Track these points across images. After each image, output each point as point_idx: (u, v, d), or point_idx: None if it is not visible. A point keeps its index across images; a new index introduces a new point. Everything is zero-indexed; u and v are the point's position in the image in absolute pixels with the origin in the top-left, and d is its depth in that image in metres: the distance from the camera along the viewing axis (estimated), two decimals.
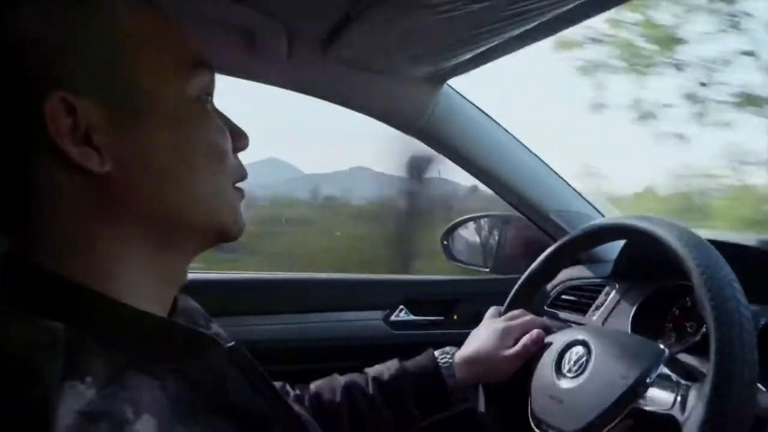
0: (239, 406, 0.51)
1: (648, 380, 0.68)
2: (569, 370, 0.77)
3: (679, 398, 0.65)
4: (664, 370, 0.69)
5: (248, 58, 0.90)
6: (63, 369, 0.38)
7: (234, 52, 0.90)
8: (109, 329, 0.44)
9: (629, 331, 0.97)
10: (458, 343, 0.93)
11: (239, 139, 0.55)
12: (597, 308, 1.09)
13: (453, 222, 1.45)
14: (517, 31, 0.79)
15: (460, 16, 0.72)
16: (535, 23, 0.76)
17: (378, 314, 1.26)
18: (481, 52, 0.87)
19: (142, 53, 0.47)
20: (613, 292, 1.08)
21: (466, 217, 1.44)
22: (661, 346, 0.73)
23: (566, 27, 0.79)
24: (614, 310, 1.05)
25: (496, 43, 0.83)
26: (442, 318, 1.29)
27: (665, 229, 0.72)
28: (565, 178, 1.21)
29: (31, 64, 0.43)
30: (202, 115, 0.51)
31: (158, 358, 0.46)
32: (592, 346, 0.76)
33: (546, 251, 0.94)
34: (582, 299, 1.14)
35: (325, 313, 1.23)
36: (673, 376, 0.69)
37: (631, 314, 0.99)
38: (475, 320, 1.27)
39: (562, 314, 1.16)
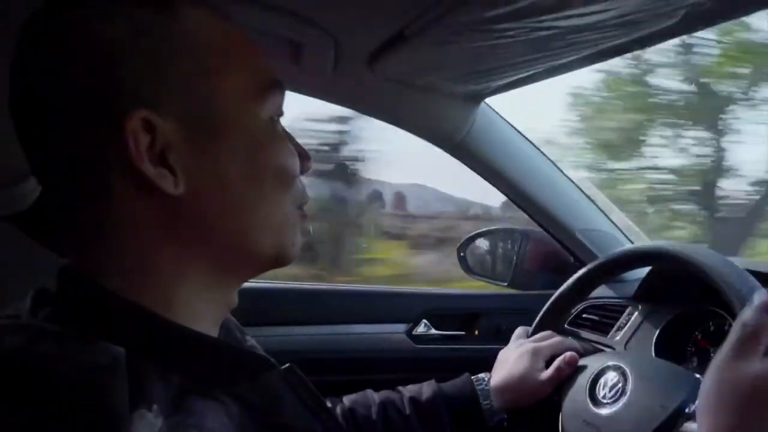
0: (293, 426, 0.51)
1: (687, 410, 0.69)
2: (605, 397, 0.77)
3: None
4: None
5: (293, 70, 0.90)
6: (129, 395, 0.38)
7: (279, 63, 0.90)
8: (169, 353, 0.44)
9: (653, 353, 0.99)
10: (480, 358, 0.93)
11: (305, 161, 0.55)
12: (619, 329, 1.10)
13: (470, 234, 1.46)
14: (563, 60, 0.81)
15: (512, 42, 0.73)
16: (582, 54, 0.78)
17: (401, 327, 1.26)
18: (525, 76, 0.88)
19: (222, 72, 0.46)
20: (636, 313, 1.09)
21: (484, 229, 1.45)
22: (696, 375, 0.74)
23: (612, 57, 0.80)
24: (637, 331, 1.06)
25: (541, 69, 0.84)
26: (464, 333, 1.30)
27: (709, 259, 0.73)
28: (592, 197, 1.22)
29: (119, 79, 0.42)
30: (275, 137, 0.51)
31: (216, 382, 0.45)
32: (629, 373, 0.77)
33: (578, 273, 0.94)
34: (604, 319, 1.15)
35: (349, 325, 1.23)
36: None
37: (655, 336, 1.01)
38: (496, 336, 1.30)
39: (584, 333, 1.16)
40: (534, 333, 0.94)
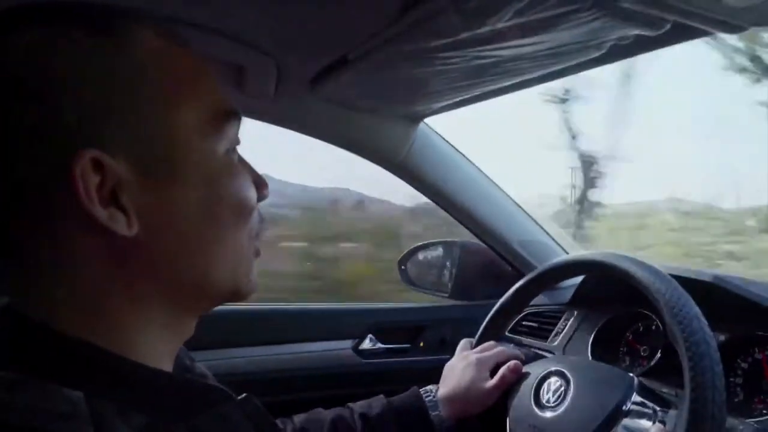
0: None
1: (624, 408, 0.74)
2: (548, 401, 0.81)
3: (657, 424, 0.71)
4: (637, 397, 0.75)
5: (235, 93, 0.90)
6: None
7: (221, 87, 0.89)
8: (128, 392, 0.42)
9: (589, 356, 1.05)
10: (426, 369, 0.96)
11: (262, 189, 0.53)
12: (557, 334, 1.15)
13: (411, 247, 1.48)
14: (500, 85, 0.85)
15: (453, 69, 0.77)
16: (517, 80, 0.82)
17: (347, 343, 1.27)
18: (463, 99, 0.92)
19: (176, 105, 0.44)
20: (572, 318, 1.15)
21: (424, 242, 1.48)
22: (630, 374, 0.80)
23: (545, 82, 0.85)
24: (574, 335, 1.12)
25: (479, 92, 0.88)
26: (409, 345, 1.33)
27: (636, 267, 0.79)
28: (527, 211, 1.28)
29: (64, 116, 0.39)
30: (232, 170, 0.48)
31: (175, 416, 0.45)
32: (570, 377, 0.81)
33: (517, 284, 0.98)
34: (542, 325, 1.20)
35: (296, 344, 1.23)
36: (648, 403, 0.75)
37: (590, 340, 1.07)
38: (440, 347, 1.33)
39: (524, 340, 1.21)
40: (478, 344, 0.97)
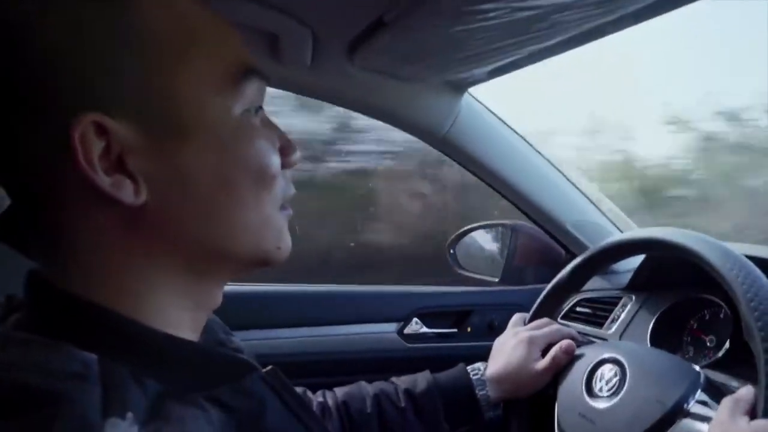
0: (277, 431, 0.49)
1: (686, 406, 0.67)
2: (601, 390, 0.76)
3: None
4: (702, 395, 0.68)
5: (269, 64, 0.87)
6: (101, 403, 0.35)
7: (255, 57, 0.87)
8: (144, 358, 0.41)
9: (648, 344, 0.97)
10: (473, 355, 0.92)
11: (289, 153, 0.50)
12: (614, 321, 1.08)
13: (459, 231, 1.44)
14: (546, 43, 0.78)
15: (494, 25, 0.71)
16: (566, 36, 0.76)
17: (392, 327, 1.24)
18: (508, 62, 0.86)
19: (183, 62, 0.41)
20: (630, 304, 1.07)
21: (473, 225, 1.43)
22: (697, 368, 0.72)
23: (598, 38, 0.77)
24: (632, 322, 1.04)
25: (524, 54, 0.82)
26: (456, 330, 1.28)
27: (706, 246, 0.70)
28: (582, 188, 1.20)
29: (61, 79, 0.38)
30: (251, 132, 0.46)
31: (194, 386, 0.43)
32: (627, 366, 0.75)
33: (574, 261, 0.92)
34: (597, 311, 1.13)
35: (339, 326, 1.21)
36: (713, 403, 0.67)
37: (650, 327, 0.99)
38: (488, 332, 1.28)
39: (577, 327, 1.14)
40: (531, 320, 0.93)
